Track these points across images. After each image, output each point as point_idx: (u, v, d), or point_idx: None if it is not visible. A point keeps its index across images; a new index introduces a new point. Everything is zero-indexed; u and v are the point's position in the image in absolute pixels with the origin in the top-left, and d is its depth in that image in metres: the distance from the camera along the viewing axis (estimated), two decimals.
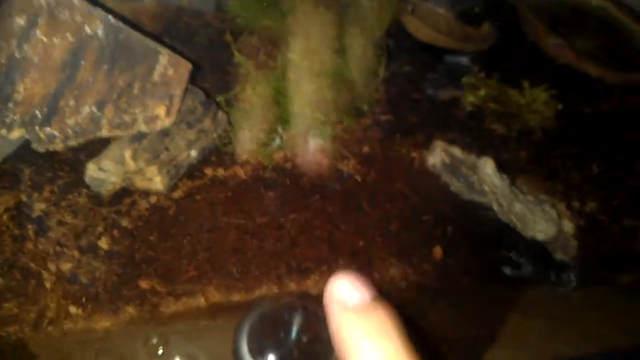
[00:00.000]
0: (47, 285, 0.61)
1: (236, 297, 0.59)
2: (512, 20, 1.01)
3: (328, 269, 0.61)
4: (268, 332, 0.63)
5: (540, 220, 0.65)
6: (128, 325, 0.58)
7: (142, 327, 0.58)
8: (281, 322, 0.63)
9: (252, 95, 0.79)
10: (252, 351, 0.61)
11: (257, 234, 0.64)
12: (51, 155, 0.71)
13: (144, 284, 0.61)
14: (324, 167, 0.72)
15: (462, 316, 0.67)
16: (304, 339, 0.63)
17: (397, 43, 0.92)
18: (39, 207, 0.68)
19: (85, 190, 0.70)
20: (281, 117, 0.77)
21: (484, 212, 0.71)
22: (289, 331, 0.63)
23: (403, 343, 0.20)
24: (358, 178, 0.71)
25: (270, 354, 0.61)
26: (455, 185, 0.72)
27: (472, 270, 0.66)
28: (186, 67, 0.66)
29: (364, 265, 0.62)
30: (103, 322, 0.58)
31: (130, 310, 0.58)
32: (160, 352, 0.57)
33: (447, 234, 0.68)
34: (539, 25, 1.06)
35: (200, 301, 0.59)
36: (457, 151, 0.71)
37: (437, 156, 0.72)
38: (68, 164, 0.72)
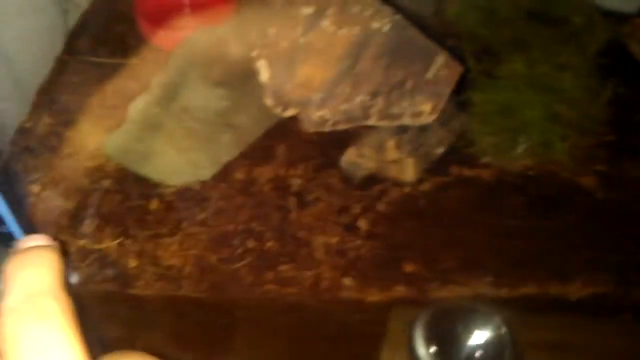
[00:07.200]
0: (317, 255, 0.66)
1: (503, 292, 0.62)
2: None
3: (590, 277, 0.63)
4: (445, 327, 0.66)
5: None
6: (397, 303, 0.62)
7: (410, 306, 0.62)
8: (460, 321, 0.66)
9: (484, 101, 0.82)
10: (427, 339, 0.65)
11: (511, 236, 0.67)
12: (304, 136, 0.77)
13: (408, 267, 0.65)
14: (564, 180, 0.74)
15: None
16: (479, 342, 0.65)
17: (615, 64, 0.93)
18: (295, 182, 0.73)
19: (335, 172, 0.74)
20: (517, 126, 0.79)
21: None
22: (466, 331, 0.65)
23: (49, 268, 0.22)
24: (599, 195, 0.73)
25: (443, 346, 0.64)
26: None
27: None
28: (458, 69, 0.70)
29: None
30: (374, 297, 0.63)
31: (400, 289, 0.62)
32: None
33: None
34: None
35: (465, 290, 0.62)
36: None
37: None
38: (320, 146, 0.77)
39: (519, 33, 0.96)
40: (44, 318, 0.20)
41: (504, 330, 0.62)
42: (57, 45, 0.87)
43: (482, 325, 0.64)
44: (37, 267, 0.22)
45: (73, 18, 0.96)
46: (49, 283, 0.22)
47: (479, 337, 0.64)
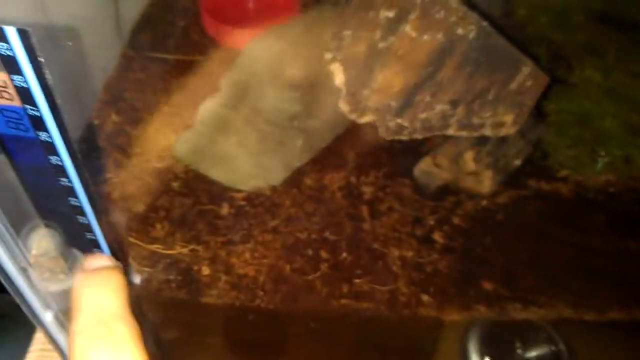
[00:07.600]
0: (394, 268, 0.64)
1: (589, 316, 0.60)
2: None
3: None
4: (500, 339, 0.64)
5: None
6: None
7: None
8: (515, 334, 0.64)
9: (560, 110, 0.80)
10: (481, 351, 0.63)
11: (593, 255, 0.65)
12: (375, 142, 0.75)
13: (487, 285, 0.63)
14: None
15: None
16: (535, 357, 0.63)
17: None
18: (367, 190, 0.72)
19: (407, 181, 0.72)
20: (595, 138, 0.76)
21: None
22: (521, 345, 0.63)
23: (117, 291, 0.23)
24: None
25: (496, 359, 0.62)
26: None
27: None
28: (544, 80, 0.67)
29: None
30: (453, 316, 0.61)
31: (481, 309, 0.61)
32: None
33: None
34: None
35: (549, 313, 0.60)
36: None
37: None
38: (391, 153, 0.75)
39: (591, 38, 0.93)
40: (113, 341, 0.21)
41: (561, 347, 0.61)
42: (109, 35, 0.85)
43: (538, 340, 0.62)
44: (106, 289, 0.23)
45: (124, 7, 0.93)
46: (117, 305, 0.23)
47: (535, 352, 0.62)
